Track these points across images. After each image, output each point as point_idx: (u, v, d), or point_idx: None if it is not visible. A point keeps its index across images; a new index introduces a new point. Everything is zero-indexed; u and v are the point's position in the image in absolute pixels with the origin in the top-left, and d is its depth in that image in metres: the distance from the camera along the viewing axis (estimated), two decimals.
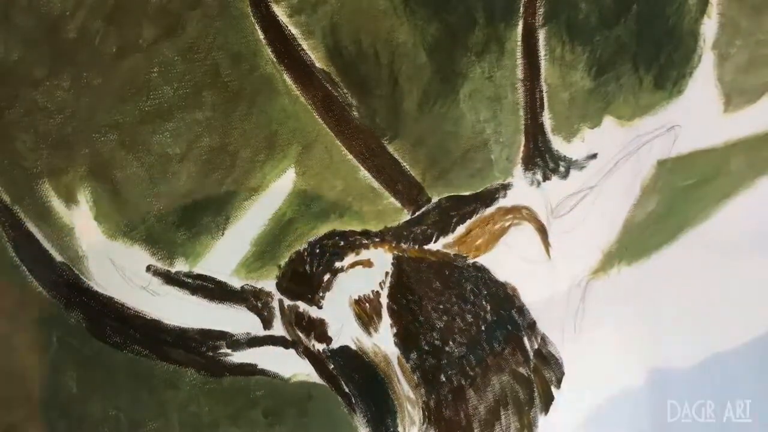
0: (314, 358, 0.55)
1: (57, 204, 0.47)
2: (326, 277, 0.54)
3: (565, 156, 0.58)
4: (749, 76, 0.62)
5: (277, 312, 0.54)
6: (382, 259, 0.55)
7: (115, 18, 0.45)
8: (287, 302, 0.54)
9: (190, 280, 0.51)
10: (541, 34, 0.55)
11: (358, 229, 0.55)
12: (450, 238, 0.56)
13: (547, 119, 0.57)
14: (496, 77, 0.55)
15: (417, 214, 0.56)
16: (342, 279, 0.54)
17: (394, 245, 0.55)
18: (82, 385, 0.50)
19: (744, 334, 0.68)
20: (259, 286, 0.53)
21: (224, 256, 0.51)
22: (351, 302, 0.55)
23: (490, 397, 0.58)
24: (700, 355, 0.67)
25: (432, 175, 0.55)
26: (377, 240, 0.55)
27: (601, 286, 0.62)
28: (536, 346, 0.60)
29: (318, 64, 0.50)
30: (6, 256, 0.46)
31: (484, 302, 0.58)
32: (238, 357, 0.53)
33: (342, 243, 0.54)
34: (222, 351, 0.53)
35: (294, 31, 0.48)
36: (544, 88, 0.56)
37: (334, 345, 0.55)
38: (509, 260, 0.58)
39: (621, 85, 0.59)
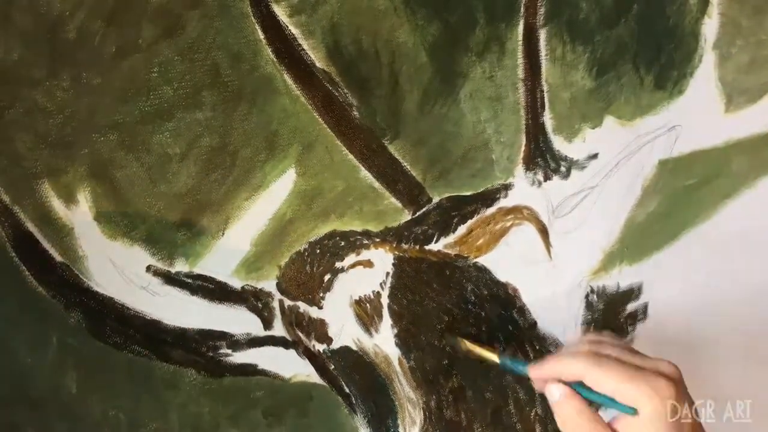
0: (315, 359, 0.55)
1: (57, 204, 0.47)
2: (327, 277, 0.54)
3: (566, 156, 0.58)
4: (750, 76, 0.62)
5: (277, 312, 0.54)
6: (382, 259, 0.55)
7: (115, 18, 0.44)
8: (287, 302, 0.54)
9: (190, 281, 0.51)
10: (542, 34, 0.55)
11: (359, 229, 0.55)
12: (451, 238, 0.56)
13: (548, 119, 0.57)
14: (496, 77, 0.55)
15: (418, 214, 0.55)
16: (342, 279, 0.54)
17: (394, 245, 0.55)
18: (82, 385, 0.50)
19: (744, 333, 0.68)
20: (259, 286, 0.53)
21: (224, 256, 0.51)
22: (352, 302, 0.55)
23: (491, 398, 0.58)
24: (700, 355, 0.67)
25: (433, 175, 0.55)
26: (378, 240, 0.55)
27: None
28: (537, 347, 0.60)
29: (318, 64, 0.50)
30: (6, 256, 0.46)
31: (485, 303, 0.58)
32: (238, 357, 0.53)
33: (342, 243, 0.54)
34: (222, 351, 0.53)
35: (294, 31, 0.48)
36: (545, 87, 0.56)
37: (335, 345, 0.55)
38: (510, 260, 0.58)
39: (622, 85, 0.58)
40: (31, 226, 0.46)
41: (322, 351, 0.55)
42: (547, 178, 0.58)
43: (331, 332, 0.55)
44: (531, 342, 0.60)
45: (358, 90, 0.51)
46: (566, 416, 0.43)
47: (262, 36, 0.48)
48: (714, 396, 0.65)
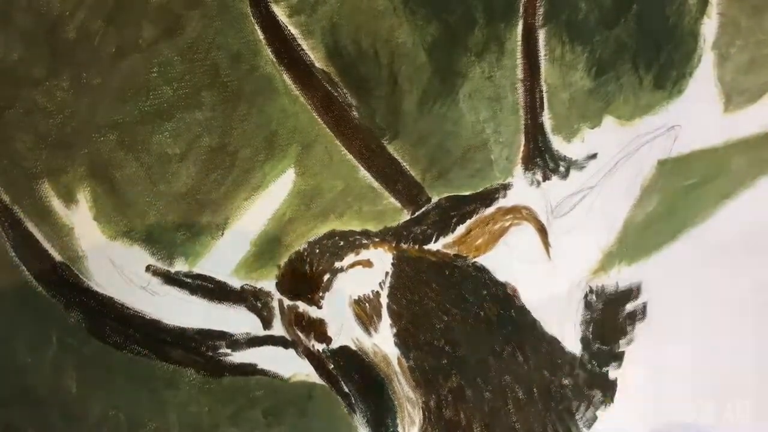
0: (314, 358, 0.55)
1: (57, 204, 0.47)
2: (326, 277, 0.54)
3: (565, 156, 0.58)
4: (749, 76, 0.62)
5: (276, 312, 0.54)
6: (382, 259, 0.55)
7: (115, 18, 0.45)
8: (287, 302, 0.54)
9: (189, 280, 0.51)
10: (541, 34, 0.55)
11: (358, 229, 0.55)
12: (450, 238, 0.56)
13: (547, 119, 0.57)
14: (495, 77, 0.55)
15: (417, 214, 0.56)
16: (342, 279, 0.54)
17: (393, 245, 0.55)
18: (82, 385, 0.50)
19: (744, 333, 0.68)
20: (258, 286, 0.53)
21: (224, 256, 0.51)
22: (351, 302, 0.55)
23: (490, 398, 0.58)
24: (700, 355, 0.67)
25: (432, 174, 0.55)
26: (377, 240, 0.55)
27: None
28: (536, 347, 0.60)
29: (318, 64, 0.50)
30: (6, 256, 0.46)
31: (484, 302, 0.58)
32: (238, 357, 0.53)
33: (342, 243, 0.54)
34: (222, 351, 0.53)
35: (294, 31, 0.49)
36: (544, 88, 0.56)
37: (334, 345, 0.55)
38: (509, 260, 0.58)
39: (621, 85, 0.59)
40: (31, 226, 0.47)
41: (321, 351, 0.55)
42: (546, 178, 0.58)
43: (330, 332, 0.55)
44: (530, 342, 0.60)
45: (358, 90, 0.51)
46: None
47: (261, 36, 0.48)
48: (714, 396, 0.65)
